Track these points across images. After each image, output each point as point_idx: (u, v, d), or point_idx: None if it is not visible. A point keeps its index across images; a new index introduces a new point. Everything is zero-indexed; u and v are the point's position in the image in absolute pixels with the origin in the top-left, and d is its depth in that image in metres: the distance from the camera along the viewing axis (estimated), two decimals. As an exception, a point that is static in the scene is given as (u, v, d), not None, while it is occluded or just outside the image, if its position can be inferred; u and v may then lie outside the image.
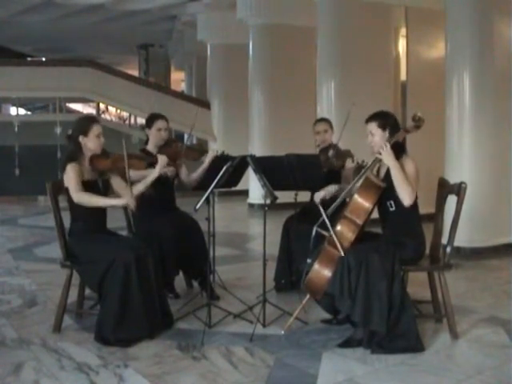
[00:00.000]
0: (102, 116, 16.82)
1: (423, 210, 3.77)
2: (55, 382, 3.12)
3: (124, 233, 4.52)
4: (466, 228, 5.45)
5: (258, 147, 9.45)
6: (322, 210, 3.57)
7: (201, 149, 5.43)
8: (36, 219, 8.95)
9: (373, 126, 3.69)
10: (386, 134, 3.66)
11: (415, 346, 3.43)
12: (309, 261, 3.61)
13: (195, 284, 4.76)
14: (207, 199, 3.86)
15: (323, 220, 3.56)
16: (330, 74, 7.89)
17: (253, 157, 4.13)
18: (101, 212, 3.93)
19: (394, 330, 3.41)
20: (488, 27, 5.90)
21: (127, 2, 11.86)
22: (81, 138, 3.85)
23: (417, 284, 4.18)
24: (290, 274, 4.66)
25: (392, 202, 3.63)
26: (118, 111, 19.90)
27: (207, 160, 4.53)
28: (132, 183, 3.86)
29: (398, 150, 3.62)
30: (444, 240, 3.86)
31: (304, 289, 3.67)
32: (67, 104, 16.60)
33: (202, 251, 4.45)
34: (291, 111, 9.61)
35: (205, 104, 11.98)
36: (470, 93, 5.87)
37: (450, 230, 3.73)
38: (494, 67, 5.90)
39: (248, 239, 7.43)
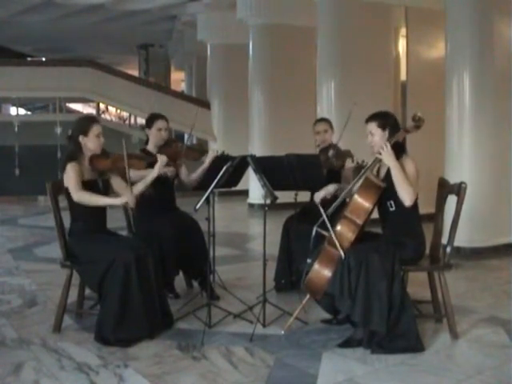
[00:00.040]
0: (102, 116, 16.82)
1: (423, 210, 3.77)
2: (55, 381, 3.12)
3: (124, 233, 4.52)
4: (466, 228, 5.45)
5: (258, 147, 9.45)
6: (322, 210, 3.57)
7: (201, 149, 5.43)
8: (36, 219, 8.95)
9: (373, 126, 3.69)
10: (386, 133, 3.66)
11: (415, 346, 3.43)
12: (309, 261, 3.62)
13: (195, 284, 4.76)
14: (207, 199, 3.86)
15: (323, 220, 3.56)
16: (330, 74, 7.89)
17: (253, 157, 4.13)
18: (101, 212, 3.93)
19: (394, 329, 3.41)
20: (488, 27, 5.90)
21: (127, 2, 11.86)
22: (81, 138, 3.85)
23: (417, 284, 4.18)
24: (290, 274, 4.66)
25: (392, 202, 3.63)
26: (118, 111, 19.90)
27: (207, 160, 4.52)
28: (132, 183, 3.86)
29: (398, 150, 3.62)
30: (444, 240, 3.86)
31: (304, 289, 3.67)
32: (67, 104, 16.60)
33: (202, 251, 4.45)
34: (291, 111, 9.61)
35: (205, 104, 11.98)
36: (470, 93, 5.87)
37: (449, 229, 3.73)
38: (493, 67, 5.90)
39: (248, 239, 7.43)
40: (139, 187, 3.96)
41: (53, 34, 15.36)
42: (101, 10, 12.44)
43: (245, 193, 9.82)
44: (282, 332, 3.76)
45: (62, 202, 3.87)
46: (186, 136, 8.26)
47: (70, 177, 3.75)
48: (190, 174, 4.70)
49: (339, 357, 3.41)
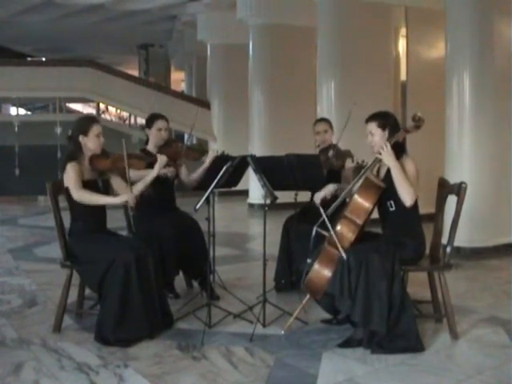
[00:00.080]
0: (102, 116, 16.82)
1: (423, 210, 3.77)
2: (55, 381, 3.12)
3: (124, 233, 4.52)
4: (466, 228, 5.45)
5: (258, 147, 9.45)
6: (322, 211, 3.56)
7: (201, 149, 5.44)
8: (36, 219, 8.95)
9: (373, 126, 3.69)
10: (386, 133, 3.66)
11: (415, 346, 3.43)
12: (309, 261, 3.61)
13: (195, 284, 4.76)
14: (207, 199, 3.86)
15: (323, 220, 3.56)
16: (330, 74, 7.89)
17: (253, 157, 4.13)
18: (101, 212, 3.94)
19: (394, 329, 3.41)
20: (488, 27, 5.90)
21: (127, 2, 11.86)
22: (81, 138, 3.85)
23: (417, 284, 4.18)
24: (290, 274, 4.66)
25: (392, 202, 3.63)
26: (118, 111, 19.90)
27: (208, 160, 4.52)
28: (132, 183, 3.86)
29: (398, 150, 3.62)
30: (444, 240, 3.86)
31: (304, 289, 3.67)
32: (67, 104, 16.60)
33: (202, 251, 4.45)
34: (291, 111, 9.61)
35: (205, 104, 11.98)
36: (470, 93, 5.87)
37: (450, 230, 3.73)
38: (494, 67, 5.90)
39: (248, 239, 7.43)
40: (139, 187, 3.97)
41: (53, 34, 15.36)
42: (101, 10, 12.44)
43: (245, 193, 9.82)
44: (282, 332, 3.76)
45: (62, 202, 3.87)
46: (186, 136, 8.27)
47: (70, 176, 3.76)
48: (190, 174, 4.70)
49: (339, 357, 3.41)
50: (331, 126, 4.97)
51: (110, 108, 18.88)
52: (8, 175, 11.05)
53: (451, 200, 3.80)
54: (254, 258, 5.95)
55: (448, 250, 3.71)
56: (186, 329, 3.88)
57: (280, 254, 4.80)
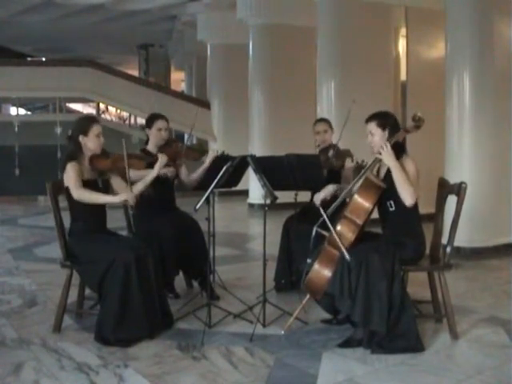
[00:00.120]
0: (102, 116, 16.82)
1: (423, 210, 3.77)
2: (55, 381, 3.12)
3: (124, 233, 4.52)
4: (466, 228, 5.45)
5: (258, 147, 9.45)
6: (322, 211, 3.56)
7: (201, 149, 5.44)
8: (36, 219, 8.95)
9: (372, 126, 3.69)
10: (386, 133, 3.66)
11: (415, 346, 3.43)
12: (309, 261, 3.61)
13: (195, 284, 4.76)
14: (207, 199, 3.86)
15: (323, 220, 3.55)
16: (330, 74, 7.89)
17: (253, 157, 4.13)
18: (101, 212, 3.94)
19: (394, 329, 3.41)
20: (488, 27, 5.90)
21: (127, 2, 11.86)
22: (81, 138, 3.85)
23: (417, 284, 4.18)
24: (290, 274, 4.66)
25: (392, 202, 3.63)
26: (118, 111, 19.90)
27: (208, 160, 4.52)
28: (132, 183, 3.86)
29: (398, 150, 3.62)
30: (444, 240, 3.86)
31: (304, 289, 3.67)
32: (67, 104, 16.60)
33: (202, 251, 4.45)
34: (291, 111, 9.61)
35: (205, 104, 11.98)
36: (470, 93, 5.87)
37: (450, 230, 3.73)
38: (494, 67, 5.90)
39: (248, 239, 7.43)
40: (139, 187, 3.97)
41: (53, 34, 15.37)
42: (101, 10, 12.44)
43: (245, 193, 9.82)
44: (282, 332, 3.76)
45: (62, 202, 3.87)
46: (186, 136, 8.27)
47: (70, 176, 3.76)
48: (190, 174, 4.70)
49: (339, 357, 3.41)
50: (331, 126, 4.97)
51: (109, 108, 18.88)
52: (8, 175, 11.05)
53: (451, 200, 3.80)
54: (254, 258, 5.95)
55: (448, 249, 3.71)
56: (185, 329, 3.88)
57: (280, 254, 4.80)
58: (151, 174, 4.02)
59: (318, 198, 4.00)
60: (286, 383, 3.12)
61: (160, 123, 4.60)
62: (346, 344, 3.53)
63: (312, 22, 8.43)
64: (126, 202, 3.87)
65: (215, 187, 3.88)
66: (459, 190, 3.68)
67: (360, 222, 3.56)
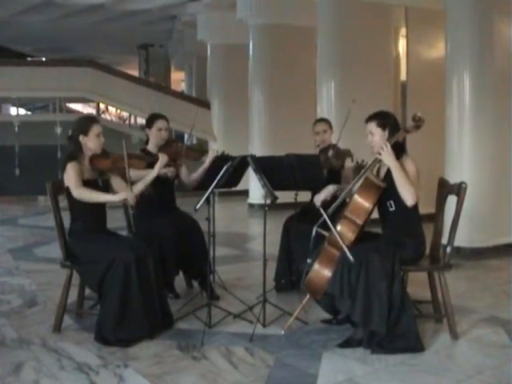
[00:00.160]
0: (102, 116, 16.82)
1: (423, 210, 3.77)
2: (55, 381, 3.12)
3: (124, 233, 4.52)
4: (466, 228, 5.44)
5: (258, 147, 9.46)
6: (322, 212, 3.56)
7: (201, 149, 5.44)
8: (36, 219, 8.95)
9: (372, 126, 3.69)
10: (386, 133, 3.66)
11: (415, 346, 3.43)
12: (309, 261, 3.61)
13: (195, 284, 4.76)
14: (207, 199, 3.86)
15: (323, 220, 3.55)
16: (330, 74, 7.89)
17: (253, 157, 4.13)
18: (101, 212, 3.94)
19: (394, 329, 3.41)
20: (488, 27, 5.90)
21: (127, 2, 11.86)
22: (81, 138, 3.86)
23: (417, 284, 4.18)
24: (290, 274, 4.66)
25: (392, 202, 3.63)
26: (118, 111, 19.90)
27: (208, 160, 4.52)
28: (132, 183, 3.86)
29: (398, 150, 3.62)
30: (444, 240, 3.86)
31: (304, 289, 3.67)
32: (67, 104, 16.60)
33: (202, 251, 4.45)
34: (291, 111, 9.61)
35: (205, 104, 11.98)
36: (470, 93, 5.87)
37: (450, 230, 3.73)
38: (494, 67, 5.90)
39: (248, 239, 7.43)
40: (139, 187, 3.97)
41: (53, 34, 15.37)
42: (101, 10, 12.44)
43: (245, 193, 9.82)
44: (282, 332, 3.76)
45: (62, 202, 3.87)
46: (186, 136, 8.27)
47: (71, 176, 3.76)
48: (190, 174, 4.70)
49: (339, 357, 3.41)
50: (331, 126, 4.97)
51: (110, 108, 18.88)
52: (8, 175, 11.05)
53: (451, 200, 3.80)
54: (254, 258, 5.95)
55: (448, 250, 3.71)
56: (185, 329, 3.88)
57: (280, 254, 4.80)
58: (151, 174, 4.02)
59: (318, 199, 3.99)
60: (285, 383, 3.12)
61: (160, 123, 4.60)
62: (346, 344, 3.53)
63: (312, 22, 8.43)
64: (126, 201, 3.87)
65: (215, 187, 3.89)
66: (459, 190, 3.68)
67: (360, 221, 3.56)
